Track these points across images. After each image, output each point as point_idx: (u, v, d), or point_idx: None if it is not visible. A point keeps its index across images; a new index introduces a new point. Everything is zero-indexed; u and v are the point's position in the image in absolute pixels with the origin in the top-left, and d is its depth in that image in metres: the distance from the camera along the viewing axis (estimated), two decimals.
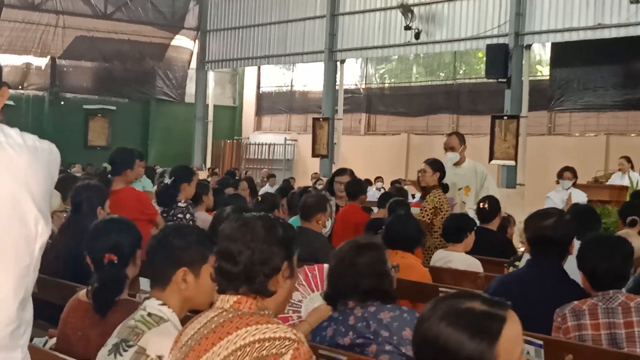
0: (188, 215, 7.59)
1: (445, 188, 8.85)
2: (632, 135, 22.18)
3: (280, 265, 2.88)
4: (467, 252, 7.09)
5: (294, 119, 32.20)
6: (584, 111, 23.37)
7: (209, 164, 30.34)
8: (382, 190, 20.63)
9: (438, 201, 8.52)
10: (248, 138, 33.32)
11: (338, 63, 25.53)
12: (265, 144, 31.81)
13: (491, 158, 20.13)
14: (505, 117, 20.52)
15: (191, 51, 31.27)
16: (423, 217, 8.47)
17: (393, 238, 6.26)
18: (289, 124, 32.43)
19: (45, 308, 5.39)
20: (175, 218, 7.56)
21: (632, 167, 15.34)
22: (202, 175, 24.08)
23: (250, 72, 33.83)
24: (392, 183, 20.80)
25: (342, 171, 9.56)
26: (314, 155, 25.30)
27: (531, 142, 20.91)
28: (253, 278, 2.83)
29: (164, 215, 7.61)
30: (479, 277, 6.60)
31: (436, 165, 8.82)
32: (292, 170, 29.68)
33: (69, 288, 5.24)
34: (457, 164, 9.43)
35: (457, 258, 6.95)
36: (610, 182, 15.16)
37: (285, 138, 31.41)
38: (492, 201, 8.31)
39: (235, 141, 33.10)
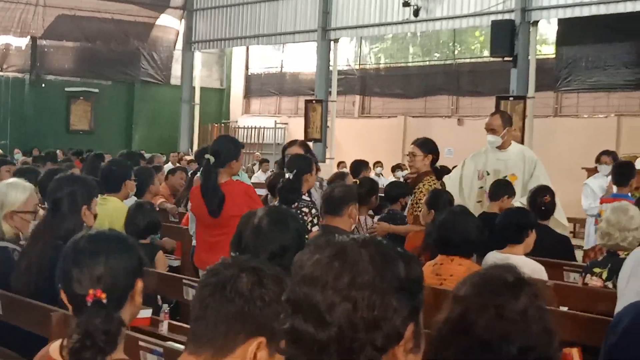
0: (314, 210, 6.99)
1: (440, 174, 7.61)
2: None
3: (403, 329, 1.71)
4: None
5: (285, 102, 31.52)
6: (593, 91, 22.43)
7: (195, 149, 29.15)
8: (382, 176, 19.62)
9: None
10: (236, 121, 32.61)
11: (332, 42, 24.86)
12: (255, 128, 31.03)
13: None
14: (512, 98, 19.76)
15: (177, 31, 30.75)
16: (414, 211, 7.25)
17: (448, 240, 5.08)
18: (279, 107, 31.76)
19: (12, 333, 4.32)
20: (299, 212, 6.81)
21: None
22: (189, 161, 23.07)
23: (238, 53, 33.14)
24: (393, 169, 19.81)
25: (291, 142, 8.16)
26: (307, 139, 24.18)
27: (536, 124, 20.11)
28: (353, 351, 1.65)
29: None
30: (545, 287, 5.41)
31: (427, 147, 7.51)
32: None
33: (41, 311, 4.19)
34: (500, 147, 8.12)
35: (517, 262, 5.65)
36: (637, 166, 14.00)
37: (276, 121, 30.76)
38: (551, 194, 7.11)
39: (223, 125, 32.36)
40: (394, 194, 8.39)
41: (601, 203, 9.02)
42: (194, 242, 6.91)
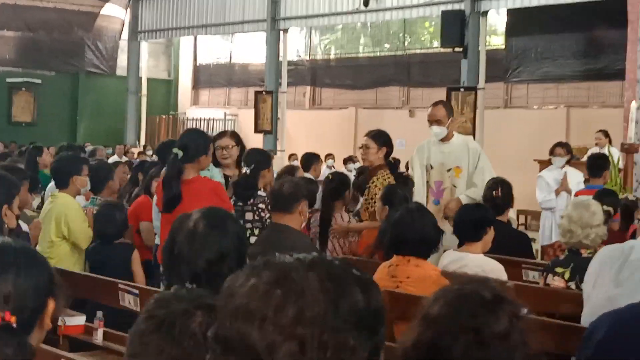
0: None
1: (393, 168, 7.32)
2: (595, 107, 21.06)
3: None
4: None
5: (234, 93, 31.05)
6: (543, 82, 22.38)
7: (142, 141, 29.12)
8: (333, 169, 19.35)
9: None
10: (185, 113, 31.99)
11: (281, 32, 24.53)
12: (204, 119, 30.43)
13: None
14: (462, 89, 19.60)
15: (122, 20, 30.17)
16: (368, 207, 6.97)
17: (403, 240, 4.80)
18: (228, 98, 31.27)
19: None
20: (256, 208, 6.85)
21: (610, 142, 14.14)
22: (136, 153, 22.63)
23: (186, 43, 32.52)
24: (345, 161, 19.55)
25: (220, 133, 7.78)
26: (257, 131, 24.28)
27: (487, 115, 19.97)
28: None
29: (240, 206, 6.86)
30: (505, 287, 5.15)
31: (382, 139, 7.25)
32: None
33: None
34: (444, 139, 7.81)
35: (474, 261, 5.45)
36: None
37: (225, 113, 30.34)
38: (506, 187, 6.86)
39: (170, 116, 31.75)
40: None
41: (576, 196, 8.82)
42: (157, 240, 6.61)
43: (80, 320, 4.81)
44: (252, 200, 6.90)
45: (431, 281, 4.74)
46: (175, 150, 6.08)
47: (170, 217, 5.60)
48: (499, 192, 6.75)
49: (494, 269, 5.45)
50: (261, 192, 6.99)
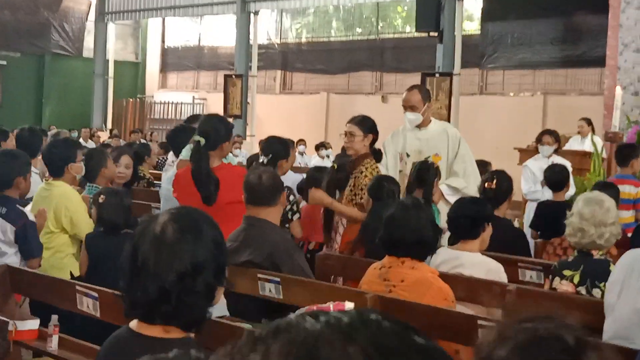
0: (292, 197, 6.75)
1: (378, 156, 6.84)
2: (573, 94, 20.74)
3: None
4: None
5: (203, 76, 30.49)
6: (519, 69, 22.04)
7: (109, 125, 28.54)
8: (304, 155, 18.89)
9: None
10: (152, 96, 31.44)
11: (251, 15, 24.09)
12: (172, 103, 29.97)
13: None
14: (437, 75, 19.28)
15: (90, 1, 29.46)
16: (354, 198, 6.46)
17: (397, 239, 4.32)
18: (197, 82, 30.71)
19: None
20: None
21: (593, 131, 13.74)
22: (103, 137, 22.13)
23: (154, 25, 31.90)
24: (317, 147, 19.10)
25: (193, 119, 7.30)
26: (226, 115, 23.35)
27: (462, 102, 19.69)
28: None
29: None
30: (506, 291, 4.69)
31: (367, 125, 6.66)
32: None
33: None
34: (420, 125, 7.32)
35: (471, 260, 4.98)
36: (567, 146, 13.50)
37: (194, 97, 29.84)
38: (502, 178, 6.40)
39: (138, 100, 31.13)
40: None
41: None
42: None
43: (33, 324, 4.30)
44: None
45: (428, 285, 4.27)
46: (196, 137, 5.82)
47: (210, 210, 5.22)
48: (493, 184, 6.28)
49: (492, 269, 4.99)
50: None
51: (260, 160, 6.69)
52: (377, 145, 6.84)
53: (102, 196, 5.56)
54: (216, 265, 2.36)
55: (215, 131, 5.88)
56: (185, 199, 5.80)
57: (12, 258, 5.32)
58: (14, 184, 5.51)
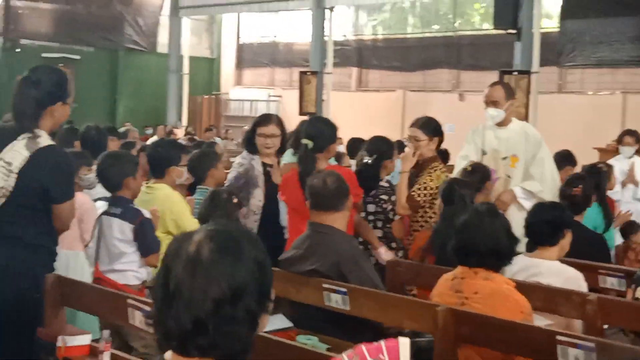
0: (393, 197, 6.72)
1: (445, 158, 6.60)
2: None
3: None
4: None
5: (278, 73, 30.36)
6: (598, 67, 21.48)
7: (184, 122, 28.54)
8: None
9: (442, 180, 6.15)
10: (227, 93, 31.40)
11: (327, 11, 23.88)
12: (247, 100, 29.98)
13: None
14: (516, 73, 18.92)
15: None
16: (417, 195, 6.23)
17: (471, 248, 4.08)
18: (272, 79, 30.60)
19: None
20: (378, 200, 6.77)
21: None
22: (179, 134, 22.15)
23: (229, 21, 31.76)
24: (398, 146, 18.86)
25: (265, 119, 7.06)
26: (301, 113, 23.41)
27: (540, 100, 19.16)
28: None
29: (365, 197, 6.70)
30: (587, 300, 4.42)
31: (431, 127, 6.49)
32: None
33: None
34: (500, 124, 7.07)
35: (549, 269, 4.73)
36: None
37: (269, 94, 29.67)
38: (588, 184, 6.11)
39: (213, 96, 31.11)
40: None
41: None
42: (286, 235, 6.26)
43: (84, 339, 4.11)
44: (373, 192, 6.70)
45: (503, 298, 4.02)
46: (304, 141, 6.00)
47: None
48: (580, 190, 6.00)
49: (571, 278, 4.75)
50: (383, 183, 6.81)
51: (365, 160, 6.71)
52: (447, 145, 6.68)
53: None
54: (259, 289, 2.08)
55: (321, 134, 6.03)
56: (294, 201, 5.85)
57: (132, 257, 5.34)
58: (124, 184, 5.49)
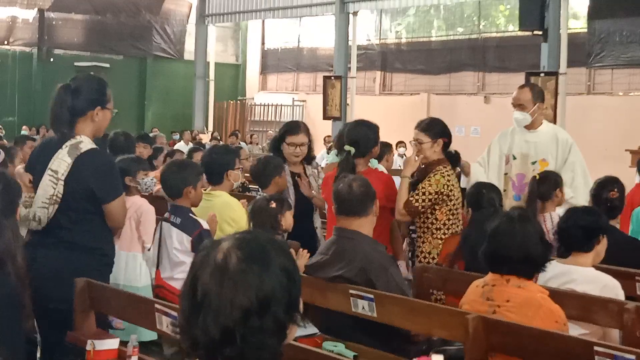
0: None
1: (455, 160, 6.36)
2: None
3: None
4: None
5: (302, 78, 30.47)
6: (628, 67, 21.29)
7: (210, 127, 28.69)
8: (405, 157, 18.51)
9: (445, 185, 5.83)
10: (253, 98, 31.56)
11: (351, 15, 23.85)
12: (272, 105, 30.03)
13: None
14: (543, 74, 18.73)
15: (190, 3, 29.78)
16: (415, 201, 5.83)
17: (503, 255, 3.94)
18: (296, 83, 30.71)
19: None
20: None
21: None
22: (205, 139, 22.18)
23: (254, 27, 32.08)
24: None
25: (294, 127, 6.77)
26: (325, 117, 23.66)
27: (568, 102, 19.06)
28: None
29: None
30: (624, 309, 4.27)
31: (435, 129, 6.06)
32: None
33: None
34: (530, 127, 6.91)
35: (585, 276, 4.57)
36: None
37: (293, 98, 29.81)
38: (622, 188, 5.94)
39: (238, 102, 31.26)
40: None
41: None
42: (318, 244, 6.24)
43: (112, 344, 4.05)
44: None
45: (537, 306, 3.87)
46: (347, 147, 6.02)
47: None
48: (615, 194, 5.84)
49: (608, 286, 4.57)
50: None
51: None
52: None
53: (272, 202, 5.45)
54: (287, 298, 2.00)
55: (364, 137, 6.05)
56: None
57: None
58: (184, 193, 5.51)
